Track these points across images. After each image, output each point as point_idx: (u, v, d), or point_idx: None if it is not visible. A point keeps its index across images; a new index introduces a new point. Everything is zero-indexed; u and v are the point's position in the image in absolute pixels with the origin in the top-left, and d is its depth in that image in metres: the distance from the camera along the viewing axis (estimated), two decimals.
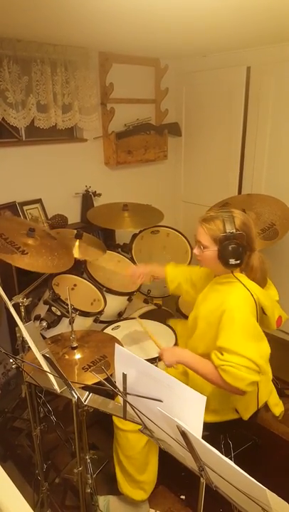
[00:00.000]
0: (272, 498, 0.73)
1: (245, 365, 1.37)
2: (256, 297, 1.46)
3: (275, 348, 1.80)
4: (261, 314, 1.52)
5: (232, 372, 1.37)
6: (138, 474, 1.71)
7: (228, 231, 1.43)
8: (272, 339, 1.69)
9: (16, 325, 1.41)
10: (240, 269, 1.55)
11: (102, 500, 1.81)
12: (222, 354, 1.42)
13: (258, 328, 1.44)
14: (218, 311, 1.48)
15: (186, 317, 2.29)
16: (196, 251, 1.57)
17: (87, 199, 2.94)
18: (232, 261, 1.43)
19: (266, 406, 1.72)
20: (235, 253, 1.43)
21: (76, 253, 2.17)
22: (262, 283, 1.55)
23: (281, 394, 2.49)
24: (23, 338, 1.85)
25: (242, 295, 1.46)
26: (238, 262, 1.44)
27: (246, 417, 1.64)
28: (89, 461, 1.58)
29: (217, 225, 1.46)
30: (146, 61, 3.09)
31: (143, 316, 2.40)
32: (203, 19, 1.92)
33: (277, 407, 1.69)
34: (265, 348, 1.44)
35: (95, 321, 2.17)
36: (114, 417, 1.67)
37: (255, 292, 1.47)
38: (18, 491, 0.96)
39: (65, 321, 2.00)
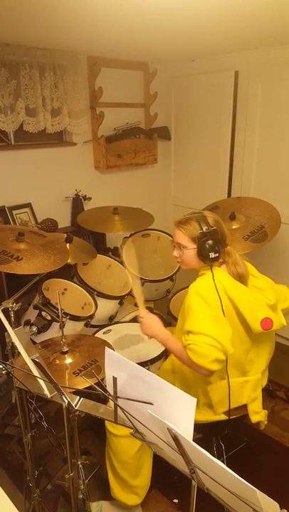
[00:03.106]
0: (262, 498, 0.73)
1: (207, 342, 1.43)
2: (222, 286, 1.51)
3: None
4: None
5: (196, 350, 1.44)
6: (131, 479, 1.70)
7: (204, 229, 1.54)
8: None
9: (6, 330, 1.40)
10: (219, 263, 1.61)
11: (95, 507, 1.80)
12: (188, 335, 1.50)
13: (217, 311, 1.48)
14: (185, 299, 1.58)
15: (177, 320, 2.30)
16: (175, 253, 1.66)
17: (77, 203, 2.93)
18: (211, 255, 1.54)
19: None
20: (212, 248, 1.54)
21: None
22: (240, 278, 1.60)
23: (273, 396, 2.51)
24: (12, 343, 1.83)
25: (202, 282, 1.54)
26: (217, 255, 1.54)
27: (219, 411, 1.65)
28: (81, 466, 1.57)
29: (193, 225, 1.57)
30: (135, 65, 3.10)
31: (135, 320, 2.40)
32: (191, 24, 1.94)
33: (256, 416, 1.67)
34: (226, 329, 1.48)
35: (86, 325, 2.16)
36: (106, 422, 1.66)
37: (223, 282, 1.52)
38: (8, 498, 0.95)
39: (56, 325, 1.98)
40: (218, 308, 1.49)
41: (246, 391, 1.65)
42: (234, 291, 1.54)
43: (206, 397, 1.65)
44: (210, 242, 1.53)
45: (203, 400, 1.66)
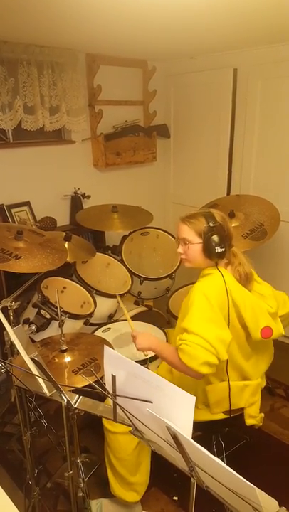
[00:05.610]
0: (261, 496, 0.73)
1: (200, 344, 1.41)
2: (229, 290, 1.50)
3: None
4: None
5: (186, 351, 1.42)
6: (130, 476, 1.70)
7: (210, 223, 1.53)
8: None
9: (5, 329, 1.39)
10: (225, 265, 1.60)
11: (95, 504, 1.80)
12: (183, 334, 1.48)
13: (219, 315, 1.47)
14: (188, 297, 1.56)
15: (176, 318, 2.29)
16: (180, 249, 1.63)
17: (76, 201, 2.93)
18: (217, 249, 1.52)
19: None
20: (219, 243, 1.52)
21: None
22: (246, 279, 1.59)
23: (272, 393, 2.51)
24: (11, 341, 1.83)
25: (210, 283, 1.52)
26: (223, 249, 1.52)
27: (215, 411, 1.64)
28: (80, 464, 1.57)
29: (200, 220, 1.56)
30: (134, 63, 3.09)
31: (134, 318, 2.40)
32: (190, 21, 1.93)
33: (251, 420, 1.67)
34: (224, 335, 1.46)
35: (85, 323, 2.16)
36: (103, 420, 1.66)
37: (229, 285, 1.51)
38: (7, 496, 0.95)
39: (55, 324, 1.98)
40: (221, 311, 1.47)
41: (245, 395, 1.64)
42: (239, 297, 1.52)
43: (205, 396, 1.65)
44: (216, 236, 1.51)
45: (202, 399, 1.66)
